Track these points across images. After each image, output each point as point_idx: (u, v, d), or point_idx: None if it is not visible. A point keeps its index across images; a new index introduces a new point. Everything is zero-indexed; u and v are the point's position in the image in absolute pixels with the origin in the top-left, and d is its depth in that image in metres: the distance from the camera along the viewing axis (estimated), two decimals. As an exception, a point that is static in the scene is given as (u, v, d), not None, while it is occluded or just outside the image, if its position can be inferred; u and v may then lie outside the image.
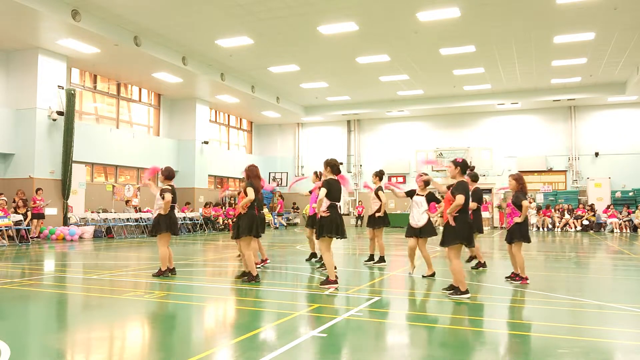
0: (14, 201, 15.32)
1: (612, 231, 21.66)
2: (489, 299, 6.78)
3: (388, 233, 19.62)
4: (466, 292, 6.47)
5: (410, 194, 8.67)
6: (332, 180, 7.33)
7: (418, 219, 8.41)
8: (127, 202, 19.96)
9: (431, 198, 8.53)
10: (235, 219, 8.03)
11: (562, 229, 22.70)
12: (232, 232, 8.08)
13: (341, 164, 28.31)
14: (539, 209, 23.62)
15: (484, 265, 9.43)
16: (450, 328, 5.18)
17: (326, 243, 7.33)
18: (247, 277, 7.72)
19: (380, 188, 9.63)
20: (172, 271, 8.40)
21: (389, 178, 27.74)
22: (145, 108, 22.86)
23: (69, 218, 17.06)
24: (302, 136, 30.47)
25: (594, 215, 22.61)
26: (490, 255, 12.15)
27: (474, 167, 10.08)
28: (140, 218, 19.25)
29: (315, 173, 10.24)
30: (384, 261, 9.87)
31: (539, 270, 9.76)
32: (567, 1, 13.46)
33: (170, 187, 8.26)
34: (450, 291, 6.63)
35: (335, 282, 7.30)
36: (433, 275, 8.27)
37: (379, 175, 9.82)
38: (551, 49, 17.45)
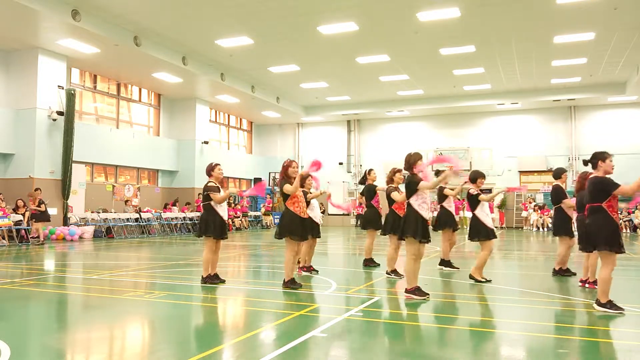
0: (39, 201, 15.25)
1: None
2: (488, 298, 6.78)
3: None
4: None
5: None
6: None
7: None
8: (127, 202, 19.96)
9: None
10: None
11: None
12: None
13: (341, 163, 28.67)
14: (539, 208, 23.60)
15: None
16: (450, 328, 5.18)
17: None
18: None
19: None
20: (217, 277, 7.53)
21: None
22: (145, 108, 22.86)
23: (69, 218, 17.07)
24: (302, 136, 30.46)
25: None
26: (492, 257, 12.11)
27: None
28: (140, 218, 19.25)
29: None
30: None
31: (539, 270, 9.77)
32: (567, 1, 13.45)
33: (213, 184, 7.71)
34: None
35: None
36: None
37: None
38: (551, 49, 17.44)
